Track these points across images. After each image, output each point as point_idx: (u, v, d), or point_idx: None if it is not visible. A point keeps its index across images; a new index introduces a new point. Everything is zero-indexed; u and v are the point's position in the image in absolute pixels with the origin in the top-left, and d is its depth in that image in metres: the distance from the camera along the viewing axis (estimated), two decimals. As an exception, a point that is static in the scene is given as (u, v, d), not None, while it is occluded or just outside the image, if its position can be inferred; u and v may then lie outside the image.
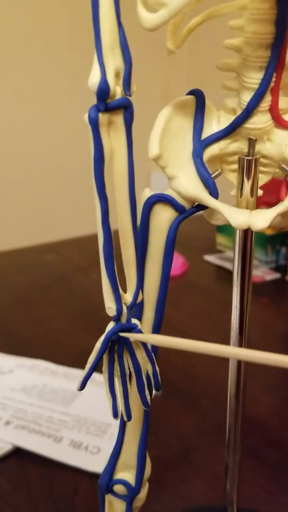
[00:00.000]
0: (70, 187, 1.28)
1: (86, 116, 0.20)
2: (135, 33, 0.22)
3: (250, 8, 0.21)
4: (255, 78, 0.22)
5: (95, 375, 0.60)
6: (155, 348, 0.25)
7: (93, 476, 0.43)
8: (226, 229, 0.83)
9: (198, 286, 0.77)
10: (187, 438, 0.47)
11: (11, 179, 1.28)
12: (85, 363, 0.63)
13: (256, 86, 0.22)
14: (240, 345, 0.27)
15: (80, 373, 0.56)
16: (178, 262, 0.79)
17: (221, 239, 0.86)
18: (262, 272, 0.78)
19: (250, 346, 0.28)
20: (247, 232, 0.25)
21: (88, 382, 0.56)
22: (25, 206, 1.30)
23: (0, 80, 1.20)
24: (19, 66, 1.22)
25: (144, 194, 0.24)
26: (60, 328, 0.67)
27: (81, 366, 0.60)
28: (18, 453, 0.46)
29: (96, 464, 0.44)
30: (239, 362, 0.27)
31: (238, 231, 0.25)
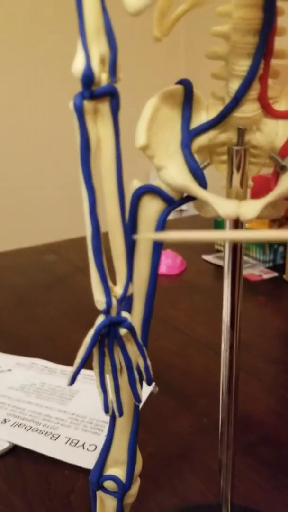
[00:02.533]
0: (69, 188, 1.29)
1: (71, 104, 0.20)
2: (132, 25, 0.22)
3: (237, -6, 0.21)
4: (243, 65, 0.22)
5: (92, 373, 0.59)
6: (146, 341, 0.24)
7: (89, 473, 0.43)
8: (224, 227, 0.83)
9: (196, 285, 0.77)
10: (184, 436, 0.46)
11: (11, 180, 1.29)
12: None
13: (244, 74, 0.22)
14: (232, 339, 0.26)
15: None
16: (177, 262, 0.79)
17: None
18: (259, 271, 0.77)
19: (245, 343, 0.28)
20: (237, 223, 0.25)
21: (85, 380, 0.56)
22: (25, 207, 1.30)
23: (1, 82, 1.20)
24: (19, 66, 1.22)
25: (132, 185, 0.24)
26: (59, 327, 0.67)
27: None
28: (15, 451, 0.45)
29: (93, 461, 0.44)
30: (231, 357, 0.27)
31: (228, 223, 0.25)
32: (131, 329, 0.23)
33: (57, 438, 0.47)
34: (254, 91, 0.22)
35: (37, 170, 1.31)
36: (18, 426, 0.48)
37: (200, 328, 0.64)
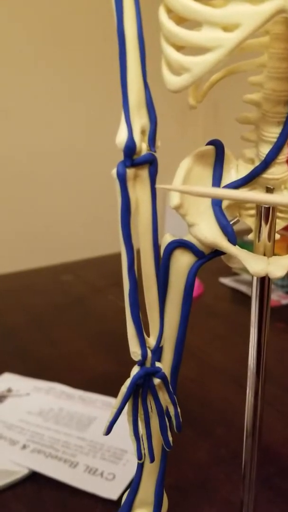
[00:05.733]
0: (87, 208, 1.30)
1: (114, 171, 0.21)
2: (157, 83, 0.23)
3: (269, 66, 0.22)
4: (273, 133, 0.23)
5: (111, 400, 0.60)
6: (175, 388, 0.25)
7: (108, 502, 0.43)
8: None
9: (214, 309, 0.77)
10: (202, 467, 0.47)
11: (29, 199, 1.31)
12: (101, 387, 0.63)
13: (274, 140, 0.23)
14: (257, 386, 0.27)
15: (96, 397, 0.57)
16: (194, 285, 0.80)
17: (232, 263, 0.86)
18: (278, 296, 0.78)
19: (266, 379, 0.28)
20: (264, 279, 0.26)
21: (103, 406, 0.57)
22: (41, 226, 1.32)
23: (22, 106, 1.23)
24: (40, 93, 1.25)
25: (164, 240, 0.25)
26: (76, 350, 0.67)
27: (97, 390, 0.60)
28: (34, 477, 0.46)
29: (111, 490, 0.45)
30: (255, 402, 0.28)
31: (255, 277, 0.26)
32: (164, 379, 0.24)
33: (76, 465, 0.47)
34: (283, 155, 0.23)
35: (55, 192, 1.33)
36: (38, 452, 0.49)
37: (217, 354, 0.65)
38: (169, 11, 0.19)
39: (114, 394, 0.34)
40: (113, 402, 0.62)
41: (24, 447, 0.50)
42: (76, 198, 1.35)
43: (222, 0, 0.18)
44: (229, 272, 0.87)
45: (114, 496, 0.44)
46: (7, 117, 1.22)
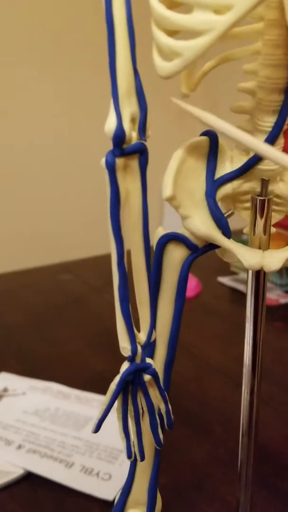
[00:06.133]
0: (86, 207, 1.30)
1: (103, 161, 0.21)
2: (150, 72, 0.23)
3: (264, 53, 0.21)
4: (268, 122, 0.22)
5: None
6: (167, 387, 0.25)
7: (104, 503, 0.43)
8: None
9: (212, 308, 0.77)
10: (199, 466, 0.46)
11: (28, 199, 1.30)
12: (98, 387, 0.62)
13: (270, 129, 0.22)
14: (253, 384, 0.27)
15: (92, 397, 0.56)
16: (192, 284, 0.79)
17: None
18: (276, 295, 0.77)
19: (263, 376, 0.28)
20: (259, 272, 0.25)
21: (99, 406, 0.56)
22: (40, 225, 1.31)
23: (20, 103, 1.22)
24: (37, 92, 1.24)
25: (157, 233, 0.24)
26: (73, 350, 0.67)
27: (94, 389, 0.60)
28: (30, 477, 0.46)
29: (107, 491, 0.44)
30: (251, 400, 0.27)
31: (250, 271, 0.25)
32: (155, 375, 0.23)
33: (71, 466, 0.47)
34: (278, 145, 0.23)
35: (53, 191, 1.33)
36: (33, 452, 0.48)
37: (215, 353, 0.64)
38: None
39: None
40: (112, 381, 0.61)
41: (19, 447, 0.49)
42: (75, 197, 1.35)
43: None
44: (228, 271, 0.86)
45: (110, 496, 0.43)
46: (5, 117, 1.22)
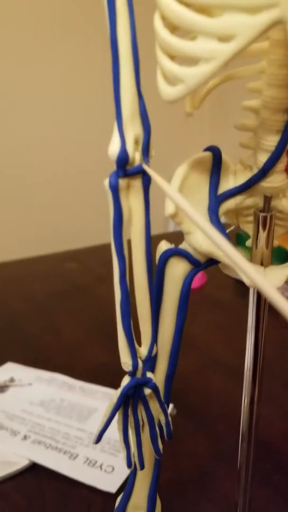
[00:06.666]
0: (91, 195, 1.30)
1: (106, 182, 0.21)
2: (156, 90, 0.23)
3: (269, 72, 0.21)
4: (271, 141, 0.22)
5: (110, 391, 0.60)
6: (168, 399, 0.25)
7: (106, 495, 0.44)
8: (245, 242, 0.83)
9: (217, 300, 0.77)
10: (201, 462, 0.47)
11: (33, 186, 1.30)
12: (102, 378, 0.63)
13: (273, 149, 0.22)
14: (253, 393, 0.27)
15: (96, 389, 0.57)
16: (197, 275, 0.79)
17: (240, 252, 0.86)
18: (282, 289, 0.78)
19: (264, 374, 0.28)
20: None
21: (104, 398, 0.57)
22: (46, 213, 1.31)
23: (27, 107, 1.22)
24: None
25: (160, 247, 0.24)
26: (78, 339, 0.68)
27: (98, 381, 0.60)
28: (34, 468, 0.47)
29: (110, 483, 0.45)
30: (251, 410, 0.27)
31: (252, 289, 0.26)
32: (155, 389, 0.24)
33: (75, 457, 0.48)
34: (281, 163, 0.23)
35: (59, 178, 1.33)
36: (38, 443, 0.49)
37: (219, 346, 0.65)
38: (165, 18, 0.19)
39: (115, 385, 0.34)
40: (114, 394, 0.62)
41: (25, 437, 0.50)
42: (81, 186, 1.35)
43: (218, 9, 0.17)
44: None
45: (113, 488, 0.44)
46: (20, 114, 1.22)
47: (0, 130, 1.24)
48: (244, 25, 0.16)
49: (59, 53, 1.23)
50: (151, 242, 0.22)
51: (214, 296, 0.78)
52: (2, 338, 0.68)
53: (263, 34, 0.16)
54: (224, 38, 0.17)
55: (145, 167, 0.21)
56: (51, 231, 1.29)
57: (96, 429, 0.51)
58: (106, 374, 0.58)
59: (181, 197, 0.19)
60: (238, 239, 0.87)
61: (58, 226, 1.31)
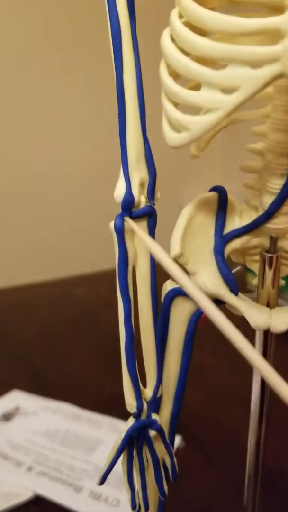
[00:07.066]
0: (100, 220, 1.30)
1: (111, 225, 0.21)
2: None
3: (273, 117, 0.21)
4: (276, 184, 0.22)
5: (117, 422, 0.60)
6: (173, 439, 0.25)
7: (111, 530, 0.43)
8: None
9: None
10: (208, 494, 0.46)
11: (41, 210, 1.31)
12: (109, 408, 0.63)
13: (278, 191, 0.22)
14: (259, 433, 0.27)
15: (103, 419, 0.57)
16: (194, 334, 0.78)
17: (251, 279, 0.85)
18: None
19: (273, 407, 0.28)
20: (267, 331, 0.25)
21: (110, 429, 0.56)
22: (54, 237, 1.32)
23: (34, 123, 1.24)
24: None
25: (165, 287, 0.24)
26: (86, 367, 0.67)
27: (105, 410, 0.60)
28: (38, 500, 0.46)
29: (115, 517, 0.44)
30: (257, 450, 0.27)
31: (258, 332, 0.26)
32: (160, 431, 0.24)
33: (80, 490, 0.47)
34: (286, 206, 0.23)
35: (69, 201, 1.34)
36: (43, 475, 0.49)
37: (227, 374, 0.64)
38: (169, 66, 0.19)
39: (122, 416, 0.33)
40: (120, 425, 0.61)
41: (29, 468, 0.50)
42: (90, 210, 1.35)
43: (222, 61, 0.17)
44: (243, 289, 0.86)
45: (117, 523, 0.44)
46: (26, 132, 1.24)
47: (13, 158, 1.26)
48: (247, 77, 0.16)
49: (66, 111, 1.26)
50: (156, 282, 0.22)
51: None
52: (8, 364, 0.68)
53: (266, 86, 0.16)
54: (227, 90, 0.17)
55: (130, 222, 0.21)
56: (58, 256, 1.29)
57: (102, 461, 0.50)
58: (114, 404, 0.57)
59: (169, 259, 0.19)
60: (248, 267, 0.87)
61: (66, 250, 1.32)
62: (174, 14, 0.19)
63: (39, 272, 1.01)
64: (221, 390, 0.61)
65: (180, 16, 0.19)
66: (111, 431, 0.55)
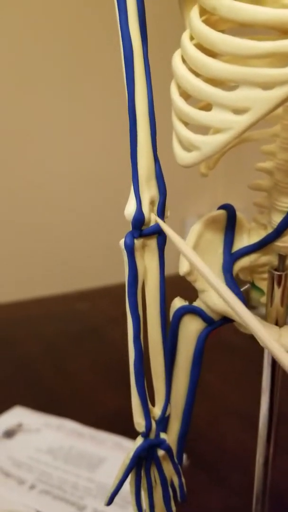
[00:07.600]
0: (105, 235, 1.31)
1: (121, 242, 0.21)
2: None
3: (282, 137, 0.22)
4: (285, 202, 0.22)
5: (121, 440, 0.59)
6: (181, 458, 0.25)
7: None
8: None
9: (232, 344, 0.76)
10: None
11: (45, 225, 1.32)
12: (113, 425, 0.62)
13: (287, 210, 0.22)
14: (267, 454, 0.26)
15: (106, 437, 0.56)
16: (203, 352, 0.78)
17: (254, 294, 0.85)
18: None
19: (282, 413, 0.27)
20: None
21: (114, 447, 0.56)
22: (58, 253, 1.32)
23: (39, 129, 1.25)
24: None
25: (174, 305, 0.24)
26: (89, 383, 0.67)
27: (109, 428, 0.59)
28: (42, 519, 0.46)
29: (118, 538, 0.44)
30: (265, 471, 0.27)
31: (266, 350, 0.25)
32: (168, 451, 0.23)
33: (83, 509, 0.47)
34: (295, 224, 0.23)
35: (73, 216, 1.34)
36: (46, 493, 0.48)
37: (233, 393, 0.64)
38: (180, 87, 0.19)
39: (126, 433, 0.32)
40: (124, 443, 0.60)
41: (32, 487, 0.49)
42: (94, 225, 1.36)
43: (234, 82, 0.17)
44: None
45: None
46: (31, 145, 1.24)
47: (20, 173, 1.27)
48: (258, 99, 0.17)
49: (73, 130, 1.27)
50: (165, 300, 0.22)
51: (230, 341, 0.77)
52: (11, 380, 0.67)
53: (277, 107, 0.17)
54: (238, 111, 0.17)
55: (162, 224, 0.21)
56: (62, 270, 1.29)
57: (105, 479, 0.50)
58: (118, 421, 0.57)
59: (197, 256, 0.19)
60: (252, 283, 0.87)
61: (69, 266, 1.32)
62: (185, 36, 0.19)
63: (43, 286, 1.01)
64: (228, 411, 0.60)
65: (191, 38, 0.19)
66: (115, 449, 0.54)
